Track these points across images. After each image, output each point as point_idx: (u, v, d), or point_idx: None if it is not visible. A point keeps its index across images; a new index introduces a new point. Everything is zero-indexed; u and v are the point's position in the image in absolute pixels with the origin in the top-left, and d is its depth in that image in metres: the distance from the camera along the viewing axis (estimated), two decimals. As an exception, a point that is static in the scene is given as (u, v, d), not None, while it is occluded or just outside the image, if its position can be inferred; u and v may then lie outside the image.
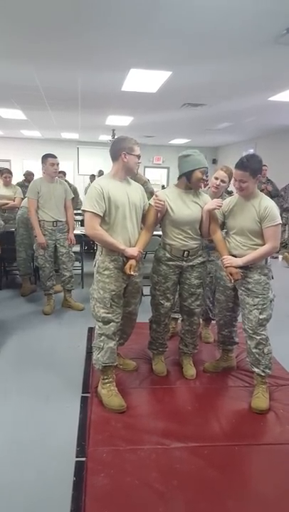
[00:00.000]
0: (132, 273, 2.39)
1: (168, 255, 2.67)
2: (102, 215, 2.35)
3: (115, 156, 2.43)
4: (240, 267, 2.47)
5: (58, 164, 4.00)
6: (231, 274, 2.45)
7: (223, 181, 3.00)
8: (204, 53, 3.94)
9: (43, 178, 4.06)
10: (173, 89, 5.37)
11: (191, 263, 2.67)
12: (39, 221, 3.99)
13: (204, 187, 3.06)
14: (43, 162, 3.97)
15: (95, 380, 2.70)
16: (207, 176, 2.73)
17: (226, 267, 2.48)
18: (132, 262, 2.40)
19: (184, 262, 2.67)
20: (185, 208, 2.59)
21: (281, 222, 2.46)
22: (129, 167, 2.45)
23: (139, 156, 2.47)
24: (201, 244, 2.72)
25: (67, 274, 4.20)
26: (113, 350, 2.47)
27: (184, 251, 2.64)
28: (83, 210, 2.38)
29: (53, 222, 4.02)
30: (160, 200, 2.53)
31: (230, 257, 2.50)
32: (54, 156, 3.96)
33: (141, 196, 2.56)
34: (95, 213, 2.33)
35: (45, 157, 3.96)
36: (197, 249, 2.68)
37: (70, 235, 4.17)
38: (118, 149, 2.41)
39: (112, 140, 9.22)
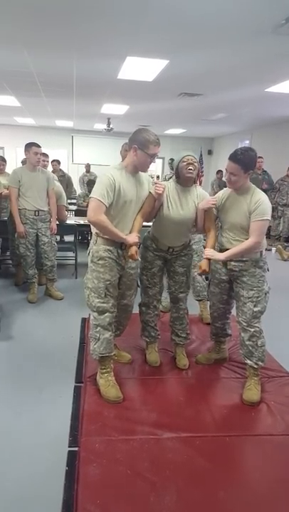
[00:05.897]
0: (137, 258, 2.41)
1: (154, 246, 2.72)
2: (108, 206, 2.30)
3: (129, 146, 2.33)
4: (236, 260, 2.48)
5: (41, 154, 3.96)
6: (200, 265, 2.48)
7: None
8: (202, 42, 3.89)
9: (25, 167, 4.05)
10: (169, 78, 5.31)
11: (175, 255, 2.73)
12: (20, 209, 3.97)
13: (198, 181, 3.01)
14: (26, 150, 3.92)
15: (88, 370, 2.71)
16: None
17: (205, 258, 2.50)
18: (135, 248, 2.38)
19: (168, 255, 2.73)
20: (180, 206, 2.58)
21: (270, 219, 2.43)
22: (137, 164, 2.35)
23: (152, 156, 2.32)
24: (187, 241, 2.76)
25: (48, 264, 4.19)
26: (109, 341, 2.47)
27: (169, 247, 2.68)
28: (91, 197, 2.31)
29: (35, 211, 4.00)
30: (161, 185, 2.50)
31: (212, 250, 2.52)
32: (38, 145, 3.91)
33: (147, 189, 2.51)
34: (102, 202, 2.27)
35: (29, 145, 3.90)
36: (183, 246, 2.72)
37: (52, 224, 4.14)
38: (132, 140, 2.31)
39: (107, 129, 9.13)
